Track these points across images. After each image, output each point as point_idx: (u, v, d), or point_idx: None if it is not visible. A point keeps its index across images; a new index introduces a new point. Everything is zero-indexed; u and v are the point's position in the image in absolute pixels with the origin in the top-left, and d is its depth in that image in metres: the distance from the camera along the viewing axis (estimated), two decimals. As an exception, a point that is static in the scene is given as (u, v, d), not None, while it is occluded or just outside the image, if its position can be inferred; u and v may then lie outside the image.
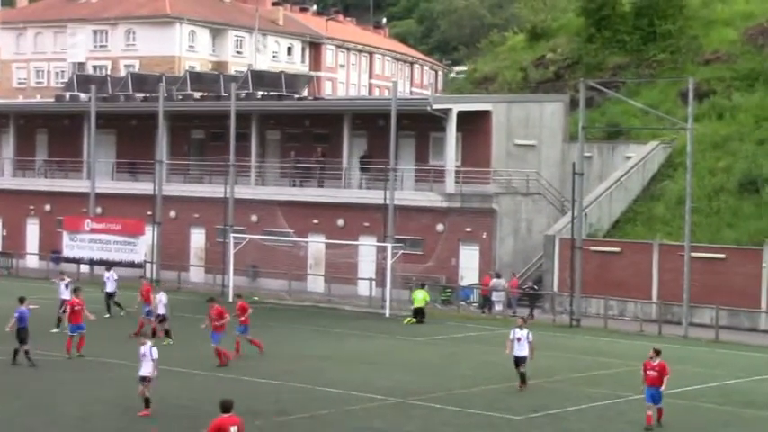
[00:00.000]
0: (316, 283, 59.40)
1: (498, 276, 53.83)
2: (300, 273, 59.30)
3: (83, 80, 73.16)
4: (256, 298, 56.23)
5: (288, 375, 34.30)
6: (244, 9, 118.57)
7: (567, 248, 51.93)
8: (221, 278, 56.81)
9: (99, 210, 65.71)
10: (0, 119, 74.13)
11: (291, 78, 69.18)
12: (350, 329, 46.48)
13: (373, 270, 56.30)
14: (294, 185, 62.37)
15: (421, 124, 59.09)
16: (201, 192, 63.37)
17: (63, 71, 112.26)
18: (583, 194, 51.93)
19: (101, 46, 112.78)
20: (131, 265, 59.87)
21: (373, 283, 55.37)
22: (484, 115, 59.31)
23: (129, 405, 27.85)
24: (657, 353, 28.44)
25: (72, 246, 62.94)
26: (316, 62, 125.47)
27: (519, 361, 32.77)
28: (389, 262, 52.27)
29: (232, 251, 55.69)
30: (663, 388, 28.26)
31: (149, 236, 61.07)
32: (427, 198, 57.26)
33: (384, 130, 57.16)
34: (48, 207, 69.20)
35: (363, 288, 56.75)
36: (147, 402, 27.81)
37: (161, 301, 41.03)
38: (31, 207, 70.01)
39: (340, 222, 59.34)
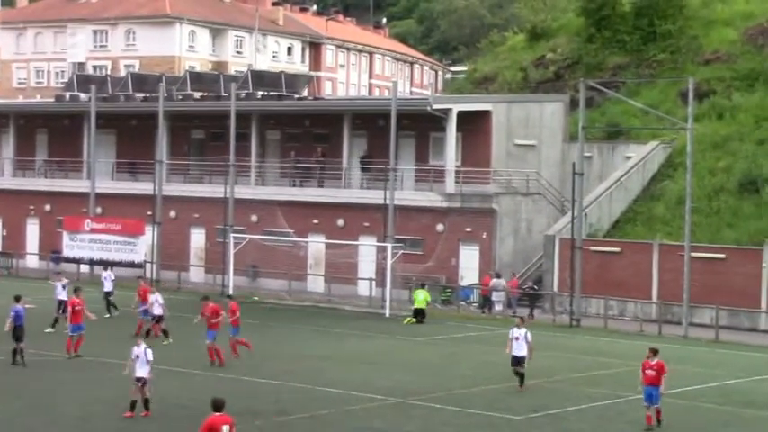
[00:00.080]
0: (316, 283, 59.41)
1: (498, 276, 53.83)
2: (300, 273, 59.30)
3: (83, 80, 73.17)
4: (256, 298, 56.32)
5: (288, 375, 34.30)
6: (244, 9, 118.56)
7: (567, 248, 51.93)
8: (221, 278, 56.81)
9: (99, 210, 65.71)
10: (0, 119, 74.13)
11: (291, 78, 69.19)
12: (350, 329, 46.48)
13: (373, 270, 56.30)
14: (294, 185, 62.37)
15: (421, 124, 59.09)
16: (201, 192, 63.37)
17: (63, 71, 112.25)
18: (583, 194, 51.94)
19: (101, 46, 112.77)
20: (131, 265, 59.86)
21: (373, 283, 55.37)
22: (484, 115, 59.31)
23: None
24: (655, 352, 28.39)
25: (72, 246, 62.92)
26: (316, 62, 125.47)
27: (517, 361, 32.71)
28: (389, 262, 52.27)
29: (232, 251, 55.69)
30: (662, 388, 28.23)
31: (149, 236, 61.06)
32: (427, 198, 57.26)
33: (384, 130, 57.17)
34: (48, 207, 69.20)
35: (363, 288, 56.76)
36: (145, 404, 27.75)
37: (157, 300, 41.00)
38: (31, 207, 70.02)
39: (340, 222, 59.34)
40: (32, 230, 70.17)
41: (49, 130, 73.08)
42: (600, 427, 28.91)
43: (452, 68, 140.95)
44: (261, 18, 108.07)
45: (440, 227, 56.90)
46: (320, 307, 54.00)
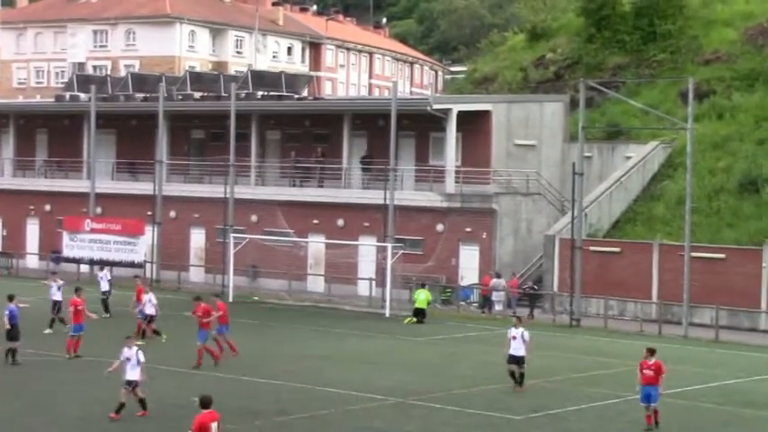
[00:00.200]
0: (316, 283, 59.41)
1: (498, 276, 53.83)
2: (300, 273, 59.30)
3: (83, 80, 73.17)
4: (256, 298, 56.35)
5: (288, 375, 34.30)
6: (244, 9, 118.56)
7: (567, 248, 51.92)
8: (221, 278, 56.79)
9: (99, 210, 65.72)
10: (0, 119, 74.14)
11: (291, 78, 69.19)
12: (350, 329, 46.48)
13: (373, 270, 56.30)
14: (294, 185, 62.37)
15: (421, 124, 59.09)
16: (201, 192, 63.37)
17: (63, 71, 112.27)
18: (583, 194, 51.93)
19: (101, 46, 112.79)
20: (131, 265, 59.79)
21: (373, 283, 55.37)
22: (484, 115, 59.31)
23: (129, 405, 27.81)
24: (652, 352, 28.31)
25: (72, 246, 62.86)
26: (316, 62, 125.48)
27: (515, 360, 32.59)
28: (389, 262, 52.27)
29: (232, 251, 55.69)
30: (661, 388, 28.16)
31: (149, 236, 61.04)
32: (427, 198, 57.26)
33: (384, 130, 57.17)
34: (48, 207, 69.20)
35: (363, 288, 56.76)
36: (141, 404, 27.68)
37: (150, 300, 40.96)
38: (31, 207, 70.02)
39: (340, 222, 59.34)
40: (32, 230, 70.17)
41: (49, 130, 73.08)
42: (600, 427, 28.91)
43: (452, 68, 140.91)
44: (261, 18, 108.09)
45: (440, 227, 56.91)
46: (320, 307, 54.00)
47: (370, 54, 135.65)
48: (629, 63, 69.31)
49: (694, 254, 48.51)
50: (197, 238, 64.21)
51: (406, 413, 29.58)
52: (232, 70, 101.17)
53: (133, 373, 27.63)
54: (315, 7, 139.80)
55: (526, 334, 32.71)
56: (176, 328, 41.27)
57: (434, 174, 57.77)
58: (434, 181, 57.81)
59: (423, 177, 58.56)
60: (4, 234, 71.28)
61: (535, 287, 54.25)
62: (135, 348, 27.94)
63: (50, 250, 66.57)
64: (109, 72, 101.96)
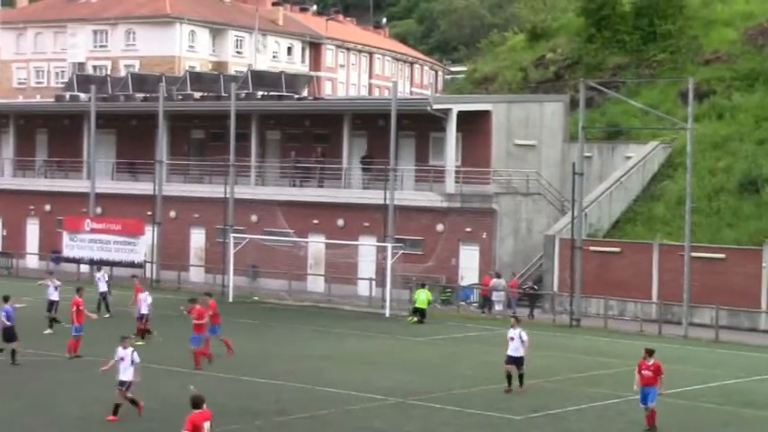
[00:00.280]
0: (316, 283, 59.41)
1: (498, 276, 53.82)
2: (300, 273, 59.30)
3: (83, 80, 73.18)
4: (256, 298, 56.36)
5: (288, 375, 34.30)
6: (244, 9, 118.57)
7: (567, 248, 51.93)
8: (221, 278, 56.78)
9: (99, 210, 65.72)
10: (0, 119, 74.14)
11: (291, 78, 69.20)
12: (350, 329, 46.48)
13: (373, 270, 56.30)
14: (294, 185, 62.38)
15: (421, 124, 59.09)
16: (201, 192, 63.37)
17: (63, 71, 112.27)
18: (583, 194, 51.93)
19: (101, 46, 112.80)
20: (131, 265, 59.82)
21: (373, 283, 55.37)
22: (484, 115, 59.31)
23: (130, 405, 27.81)
24: (650, 353, 28.22)
25: (72, 246, 62.90)
26: (316, 62, 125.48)
27: (514, 360, 32.50)
28: (389, 262, 52.27)
29: (232, 251, 55.69)
30: (660, 389, 28.09)
31: (149, 236, 61.07)
32: (427, 198, 57.26)
33: (384, 130, 57.17)
34: (48, 207, 69.21)
35: (363, 288, 56.76)
36: (134, 403, 27.61)
37: (145, 300, 40.89)
38: (31, 207, 70.02)
39: (340, 222, 59.35)
40: (32, 230, 70.17)
41: (49, 130, 73.08)
42: (600, 427, 28.91)
43: (452, 68, 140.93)
44: (261, 18, 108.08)
45: (440, 227, 56.91)
46: (320, 307, 54.00)
47: (370, 54, 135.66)
48: (629, 63, 69.31)
49: (694, 254, 48.51)
50: (197, 238, 64.21)
51: (406, 413, 29.58)
52: (232, 70, 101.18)
53: (127, 374, 27.52)
54: (315, 7, 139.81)
55: (524, 334, 32.63)
56: (176, 329, 41.23)
57: (434, 174, 57.77)
58: (434, 181, 57.81)
59: (423, 177, 58.56)
60: (4, 234, 71.29)
61: (535, 287, 54.24)
62: (130, 349, 27.86)
63: (50, 250, 66.60)
64: (109, 72, 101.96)
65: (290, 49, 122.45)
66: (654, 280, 51.78)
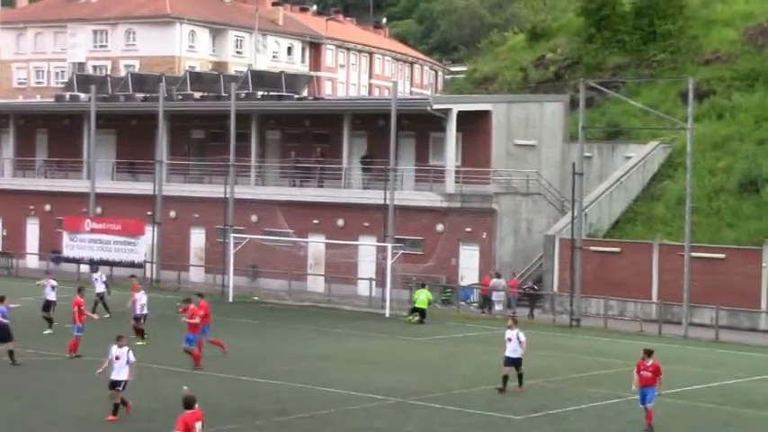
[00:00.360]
0: (316, 283, 59.41)
1: (498, 276, 53.82)
2: (300, 273, 59.31)
3: (83, 80, 73.18)
4: (256, 298, 56.36)
5: (288, 375, 34.29)
6: (244, 9, 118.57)
7: (567, 248, 51.93)
8: (221, 278, 56.78)
9: (99, 210, 65.72)
10: (0, 119, 74.15)
11: (291, 78, 69.21)
12: (350, 329, 46.48)
13: (373, 270, 56.30)
14: (294, 185, 62.38)
15: (421, 124, 59.09)
16: (201, 192, 63.37)
17: (63, 71, 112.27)
18: (583, 194, 51.94)
19: (101, 46, 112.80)
20: (131, 265, 59.83)
21: (373, 283, 55.38)
22: (484, 115, 59.32)
23: (132, 405, 27.83)
24: (649, 353, 28.14)
25: (72, 246, 62.91)
26: (316, 62, 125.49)
27: (512, 362, 32.41)
28: (389, 262, 52.27)
29: (232, 251, 55.69)
30: (659, 390, 28.02)
31: (149, 236, 61.07)
32: (427, 198, 57.26)
33: (384, 130, 57.17)
34: (48, 207, 69.21)
35: (363, 288, 56.76)
36: (123, 402, 27.51)
37: (139, 300, 40.77)
38: (31, 207, 70.02)
39: (340, 222, 59.35)
40: (32, 230, 70.18)
41: (49, 130, 73.09)
42: (600, 427, 28.91)
43: (452, 68, 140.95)
44: (261, 18, 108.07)
45: (440, 227, 56.91)
46: (320, 307, 54.00)
47: (370, 54, 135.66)
48: (629, 63, 69.31)
49: (694, 254, 48.52)
50: (197, 238, 64.22)
51: (406, 413, 29.58)
52: (232, 70, 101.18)
53: (121, 373, 27.41)
54: (315, 7, 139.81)
55: (521, 335, 32.53)
56: (175, 329, 41.19)
57: (434, 174, 57.77)
58: (434, 181, 57.81)
59: (423, 177, 58.56)
60: (4, 234, 71.29)
61: (535, 287, 54.25)
62: (126, 348, 27.79)
63: (50, 250, 66.61)
64: (109, 72, 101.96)
65: (290, 49, 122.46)
66: (654, 280, 51.78)
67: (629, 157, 60.52)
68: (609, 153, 62.21)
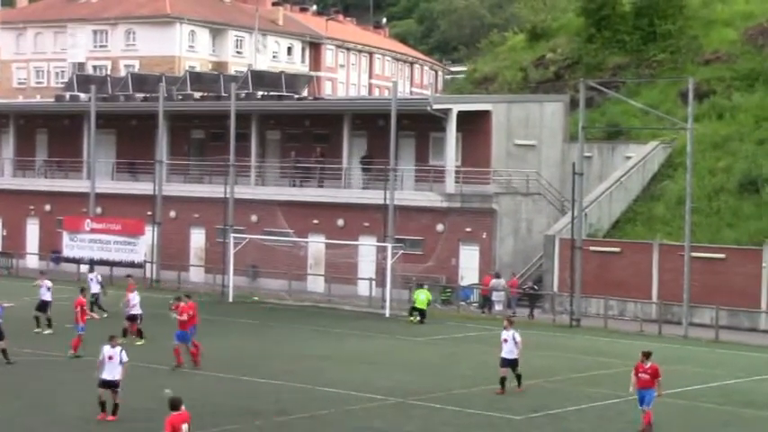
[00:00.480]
0: (316, 283, 59.41)
1: (498, 276, 53.81)
2: (300, 273, 59.30)
3: (83, 80, 73.17)
4: (256, 298, 56.35)
5: (288, 375, 34.30)
6: (244, 9, 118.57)
7: (567, 248, 51.93)
8: (221, 278, 56.77)
9: (99, 210, 65.72)
10: (0, 119, 74.14)
11: (291, 78, 69.20)
12: (350, 329, 46.48)
13: (373, 270, 56.30)
14: (294, 185, 62.38)
15: (421, 124, 59.09)
16: (201, 192, 63.37)
17: (63, 71, 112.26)
18: (583, 194, 51.94)
19: (101, 46, 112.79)
20: (131, 265, 59.81)
21: (373, 283, 55.37)
22: (484, 115, 59.32)
23: (130, 405, 27.83)
24: (647, 355, 28.06)
25: (72, 246, 62.89)
26: (316, 62, 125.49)
27: (508, 363, 32.36)
28: (389, 262, 52.27)
29: (232, 251, 55.69)
30: (658, 391, 27.96)
31: (149, 236, 61.07)
32: (427, 198, 57.26)
33: (384, 130, 57.17)
34: (48, 207, 69.20)
35: (363, 288, 56.76)
36: (115, 408, 27.44)
37: (132, 300, 40.61)
38: (31, 207, 70.02)
39: (340, 222, 59.35)
40: (32, 230, 70.17)
41: (49, 130, 73.09)
42: (600, 427, 28.91)
43: (452, 68, 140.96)
44: (261, 18, 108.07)
45: (440, 227, 56.91)
46: (320, 307, 54.00)
47: (370, 54, 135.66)
48: (629, 63, 69.31)
49: (694, 254, 48.52)
50: (197, 238, 64.22)
51: (406, 413, 29.58)
52: (232, 70, 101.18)
53: (114, 373, 27.30)
54: (315, 7, 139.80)
55: (517, 336, 32.48)
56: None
57: (434, 174, 57.77)
58: (434, 181, 57.80)
59: (423, 177, 58.56)
60: (4, 234, 71.28)
61: (535, 287, 54.25)
62: (119, 347, 27.69)
63: (50, 250, 66.63)
64: (109, 72, 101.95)
65: (290, 49, 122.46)
66: (654, 280, 51.78)
67: (629, 157, 60.52)
68: (609, 153, 62.21)
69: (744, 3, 71.28)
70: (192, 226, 64.23)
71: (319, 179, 61.83)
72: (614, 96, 61.31)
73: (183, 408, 20.57)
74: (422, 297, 49.36)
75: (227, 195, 58.59)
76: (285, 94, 64.58)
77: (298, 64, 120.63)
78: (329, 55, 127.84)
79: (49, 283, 43.05)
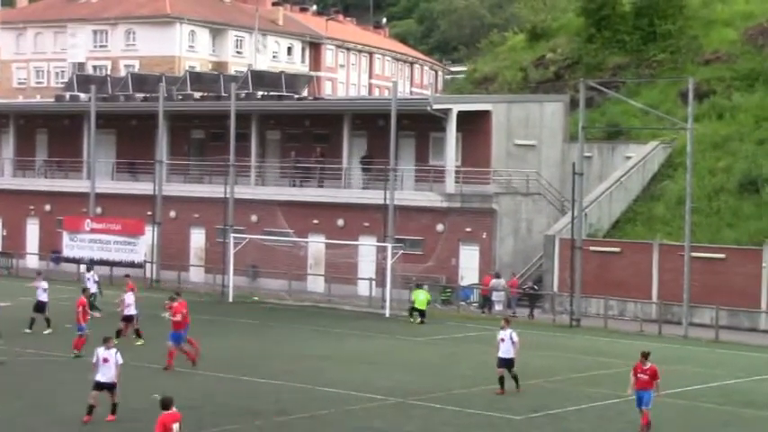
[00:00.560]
0: (316, 283, 59.40)
1: (498, 276, 53.81)
2: (300, 273, 59.30)
3: (83, 80, 73.16)
4: (256, 298, 56.35)
5: (288, 375, 34.30)
6: (244, 9, 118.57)
7: (567, 248, 51.93)
8: (221, 278, 56.78)
9: (99, 210, 65.71)
10: (0, 119, 74.14)
11: (291, 78, 69.20)
12: (350, 329, 46.48)
13: (373, 270, 56.30)
14: (294, 185, 62.38)
15: (421, 124, 59.09)
16: (201, 192, 63.37)
17: (63, 71, 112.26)
18: (583, 194, 51.94)
19: (101, 46, 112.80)
20: (131, 265, 59.82)
21: (373, 283, 55.37)
22: (484, 115, 59.32)
23: (130, 405, 27.84)
24: (646, 356, 28.07)
25: (72, 246, 62.91)
26: (316, 62, 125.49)
27: (505, 363, 32.35)
28: (389, 262, 52.26)
29: (232, 251, 55.68)
30: (656, 392, 27.91)
31: (149, 236, 61.08)
32: (427, 198, 57.26)
33: (384, 130, 57.18)
34: (48, 207, 69.20)
35: (363, 288, 56.76)
36: (114, 408, 27.43)
37: (126, 300, 40.53)
38: (31, 207, 70.01)
39: (340, 222, 59.35)
40: (32, 230, 70.17)
41: (49, 130, 73.08)
42: (600, 427, 28.92)
43: (452, 68, 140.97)
44: (261, 18, 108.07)
45: (440, 227, 56.90)
46: (320, 307, 53.99)
47: (370, 54, 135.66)
48: (629, 63, 69.32)
49: (694, 254, 48.52)
50: (197, 238, 64.22)
51: (406, 413, 29.59)
52: (232, 70, 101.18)
53: (109, 375, 27.19)
54: (315, 7, 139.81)
55: (515, 335, 32.46)
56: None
57: (434, 174, 57.77)
58: (434, 181, 57.80)
59: (423, 177, 58.56)
60: (4, 234, 71.28)
61: (535, 287, 54.25)
62: (114, 349, 27.54)
63: (50, 250, 66.62)
64: (109, 72, 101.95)
65: (290, 49, 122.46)
66: (654, 280, 51.78)
67: (629, 157, 60.51)
68: (609, 153, 62.21)
69: (744, 3, 71.29)
70: (192, 226, 64.23)
71: (319, 179, 61.83)
72: (614, 96, 61.31)
73: (174, 408, 20.67)
74: (421, 297, 49.37)
75: (227, 195, 58.59)
76: (285, 94, 64.58)
77: (298, 64, 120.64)
78: (329, 55, 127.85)
79: (44, 284, 42.84)
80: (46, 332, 41.49)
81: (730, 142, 59.37)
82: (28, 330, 41.36)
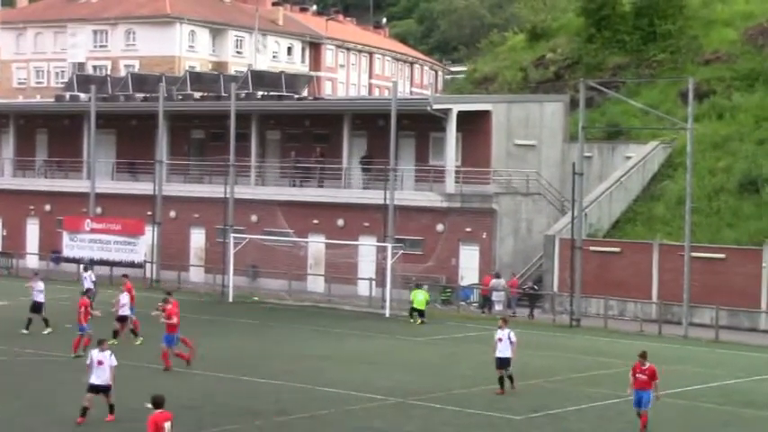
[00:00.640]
0: (316, 283, 59.40)
1: (498, 276, 53.81)
2: (300, 273, 59.29)
3: (83, 80, 73.15)
4: (256, 298, 56.34)
5: (288, 375, 34.29)
6: (244, 9, 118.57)
7: (567, 248, 51.92)
8: (221, 278, 56.77)
9: (99, 210, 65.71)
10: (0, 119, 74.14)
11: (291, 78, 69.19)
12: (350, 329, 46.47)
13: (373, 270, 56.29)
14: (294, 185, 62.38)
15: (421, 124, 59.09)
16: (201, 192, 63.36)
17: (63, 71, 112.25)
18: (583, 194, 51.93)
19: (101, 46, 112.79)
20: (131, 265, 59.82)
21: (373, 283, 55.36)
22: (484, 115, 59.31)
23: (130, 406, 27.83)
24: (645, 357, 27.98)
25: (72, 246, 62.91)
26: (316, 62, 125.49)
27: (502, 362, 32.35)
28: (389, 262, 52.26)
29: (232, 251, 55.68)
30: (656, 393, 27.86)
31: (149, 236, 61.08)
32: (427, 198, 57.26)
33: (384, 130, 57.17)
34: (48, 207, 69.19)
35: (363, 288, 56.75)
36: (111, 408, 27.42)
37: (120, 301, 40.42)
38: (31, 207, 70.01)
39: (340, 222, 59.34)
40: (32, 230, 70.16)
41: (49, 130, 73.08)
42: (600, 427, 28.91)
43: (452, 68, 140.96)
44: (261, 18, 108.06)
45: (440, 227, 56.90)
46: (320, 307, 53.98)
47: (370, 54, 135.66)
48: (629, 63, 69.31)
49: (694, 254, 48.51)
50: (197, 238, 64.21)
51: (406, 413, 29.58)
52: (232, 70, 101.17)
53: (103, 377, 27.09)
54: (315, 7, 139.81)
55: (512, 335, 32.45)
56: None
57: (434, 174, 57.77)
58: (434, 181, 57.80)
59: (423, 177, 58.56)
60: (4, 234, 71.27)
61: (535, 287, 54.24)
62: (108, 351, 27.39)
63: (50, 250, 66.61)
64: (109, 72, 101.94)
65: (290, 49, 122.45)
66: (654, 280, 51.77)
67: (629, 157, 60.51)
68: (609, 153, 62.20)
69: (744, 3, 71.28)
70: (192, 226, 64.22)
71: (319, 179, 61.83)
72: (614, 96, 61.31)
73: (164, 407, 20.82)
74: (420, 297, 49.36)
75: (227, 195, 58.58)
76: (285, 94, 64.58)
77: (298, 64, 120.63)
78: (329, 55, 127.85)
79: (41, 285, 42.62)
80: (45, 332, 41.48)
81: (730, 142, 59.37)
82: (25, 331, 41.32)
